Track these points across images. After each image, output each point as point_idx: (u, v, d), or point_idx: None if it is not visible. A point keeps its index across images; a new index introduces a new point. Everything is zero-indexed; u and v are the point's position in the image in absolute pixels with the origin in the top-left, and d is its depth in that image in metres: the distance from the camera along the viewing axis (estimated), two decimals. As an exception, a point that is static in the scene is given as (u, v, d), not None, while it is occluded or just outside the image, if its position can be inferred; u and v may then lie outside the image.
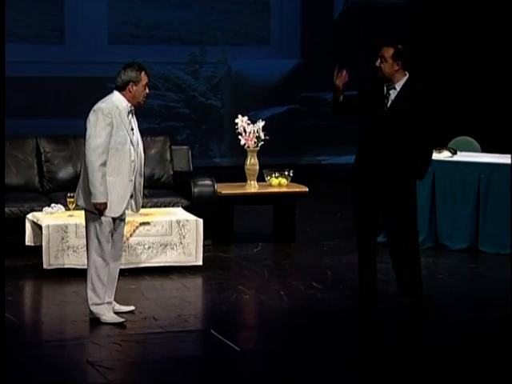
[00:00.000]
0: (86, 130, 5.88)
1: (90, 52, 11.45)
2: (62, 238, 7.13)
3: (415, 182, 6.36)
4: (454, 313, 6.50)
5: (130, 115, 5.94)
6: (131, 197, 6.01)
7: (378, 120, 6.24)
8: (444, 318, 6.38)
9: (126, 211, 6.07)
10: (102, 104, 5.86)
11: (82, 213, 7.32)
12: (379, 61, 6.26)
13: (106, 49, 11.61)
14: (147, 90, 5.93)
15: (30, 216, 7.40)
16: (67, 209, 7.46)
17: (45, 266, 7.12)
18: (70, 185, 8.04)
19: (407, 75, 6.29)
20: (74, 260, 7.13)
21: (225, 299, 6.68)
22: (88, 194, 5.88)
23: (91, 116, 5.84)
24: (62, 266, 7.12)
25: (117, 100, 5.87)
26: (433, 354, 5.70)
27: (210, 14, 11.98)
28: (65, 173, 8.20)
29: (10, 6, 11.17)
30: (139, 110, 6.08)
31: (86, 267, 7.06)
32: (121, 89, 5.88)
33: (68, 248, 7.14)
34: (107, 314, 6.03)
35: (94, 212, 5.91)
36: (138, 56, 11.42)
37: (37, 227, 7.31)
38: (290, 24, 12.27)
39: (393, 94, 6.24)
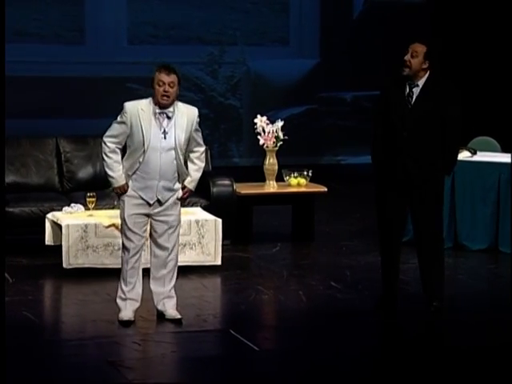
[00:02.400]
0: None
1: (110, 52, 11.48)
2: (82, 238, 7.15)
3: (443, 178, 6.38)
4: (473, 313, 6.47)
5: (163, 118, 5.91)
6: (158, 202, 5.98)
7: (403, 119, 6.22)
8: (463, 318, 6.35)
9: (165, 210, 5.99)
10: (128, 102, 5.97)
11: (102, 212, 7.38)
12: (409, 55, 6.22)
13: (126, 49, 11.63)
14: (164, 88, 5.86)
15: (49, 216, 7.43)
16: (87, 208, 7.48)
17: (64, 266, 7.15)
18: (90, 184, 8.07)
19: (428, 72, 6.27)
20: (94, 259, 7.15)
21: (243, 299, 6.68)
22: None
23: None
24: (81, 266, 7.14)
25: (146, 101, 5.93)
26: (452, 353, 5.68)
27: (229, 13, 11.98)
28: (84, 173, 8.22)
29: (29, 6, 11.23)
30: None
31: (104, 266, 7.12)
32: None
33: (87, 247, 7.16)
34: (122, 312, 6.07)
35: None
36: (157, 56, 11.48)
37: (57, 227, 7.33)
38: (309, 24, 12.25)
39: (415, 91, 6.24)
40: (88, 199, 7.45)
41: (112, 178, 5.97)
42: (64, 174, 8.26)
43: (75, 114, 11.05)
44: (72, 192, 8.09)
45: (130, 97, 6.28)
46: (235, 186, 8.18)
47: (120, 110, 5.96)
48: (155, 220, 6.05)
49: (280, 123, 8.33)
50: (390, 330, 6.24)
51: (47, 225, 7.38)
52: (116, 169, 5.94)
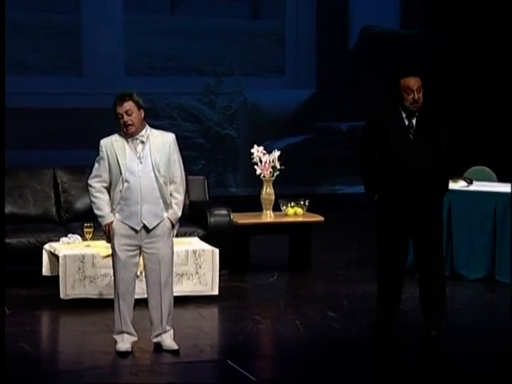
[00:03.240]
0: None
1: (107, 83, 11.51)
2: (79, 268, 7.14)
3: (442, 204, 6.54)
4: (470, 343, 6.45)
5: (136, 144, 5.91)
6: (145, 229, 5.95)
7: (405, 149, 6.26)
8: (461, 348, 6.34)
9: (154, 242, 5.97)
10: (103, 139, 6.00)
11: (99, 243, 7.37)
12: (417, 93, 6.25)
13: (123, 80, 11.67)
14: (123, 119, 5.87)
15: (47, 246, 7.42)
16: (84, 239, 7.48)
17: (62, 296, 7.13)
18: (87, 215, 8.04)
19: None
20: (91, 290, 7.13)
21: (241, 329, 6.67)
22: None
23: None
24: (78, 296, 7.13)
25: (120, 133, 5.97)
26: (450, 383, 5.67)
27: (226, 45, 12.04)
28: (82, 203, 8.22)
29: (29, 38, 11.28)
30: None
31: (102, 297, 7.10)
32: None
33: (85, 278, 7.14)
34: (119, 343, 6.03)
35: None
36: (154, 87, 11.52)
37: (54, 257, 7.32)
38: (305, 54, 12.31)
39: (414, 121, 6.30)
40: (85, 229, 7.44)
41: (101, 216, 5.97)
42: (61, 204, 8.27)
43: (73, 144, 11.07)
44: (69, 222, 8.09)
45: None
46: (232, 215, 8.18)
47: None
48: (146, 253, 5.99)
49: (277, 153, 8.35)
50: (387, 360, 6.22)
51: (44, 255, 7.37)
52: (104, 207, 5.94)
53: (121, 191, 5.91)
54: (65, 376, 5.78)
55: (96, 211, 5.98)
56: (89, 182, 6.00)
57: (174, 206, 6.03)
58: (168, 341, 6.09)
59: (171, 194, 6.02)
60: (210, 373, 5.91)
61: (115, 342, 6.06)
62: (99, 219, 5.99)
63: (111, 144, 5.93)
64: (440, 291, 6.41)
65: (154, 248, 5.98)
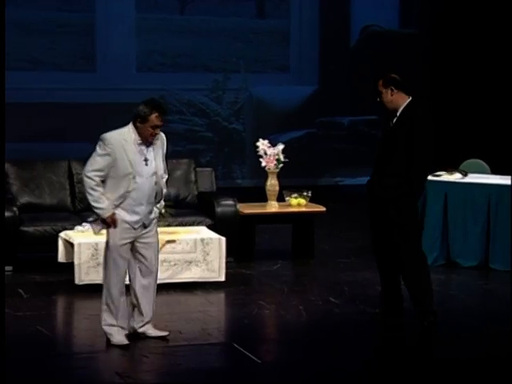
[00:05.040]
0: None
1: (120, 79, 11.50)
2: (93, 255, 7.15)
3: (411, 200, 6.25)
4: (465, 327, 6.45)
5: (144, 146, 5.77)
6: (143, 225, 5.87)
7: (380, 145, 6.30)
8: (457, 331, 6.33)
9: (148, 232, 5.90)
10: (108, 135, 5.77)
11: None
12: (378, 98, 6.27)
13: (135, 76, 11.66)
14: (156, 131, 5.72)
15: (62, 234, 7.42)
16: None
17: (76, 282, 7.14)
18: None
19: (409, 99, 6.26)
20: (104, 276, 7.13)
21: (246, 314, 6.66)
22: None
23: (97, 144, 5.77)
24: (92, 282, 7.13)
25: (127, 131, 5.76)
26: (445, 365, 5.66)
27: (233, 43, 12.02)
28: (95, 193, 8.21)
29: (45, 36, 11.27)
30: (165, 134, 5.99)
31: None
32: (132, 120, 5.77)
33: (98, 265, 7.14)
34: (114, 336, 5.86)
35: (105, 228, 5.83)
36: (164, 83, 11.51)
37: (69, 245, 7.33)
38: (309, 52, 12.28)
39: (394, 120, 6.27)
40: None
41: (101, 209, 5.74)
42: (76, 194, 8.27)
43: (87, 137, 11.05)
44: (83, 212, 8.09)
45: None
46: (238, 205, 8.18)
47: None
48: (140, 242, 5.89)
49: (281, 146, 8.34)
50: (386, 343, 6.22)
51: (60, 243, 7.37)
52: (102, 200, 5.74)
53: (128, 191, 5.74)
54: (79, 358, 5.78)
55: (94, 203, 5.74)
56: (87, 174, 5.72)
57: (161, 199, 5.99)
58: (154, 330, 5.98)
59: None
60: (217, 355, 5.91)
61: (109, 334, 5.85)
62: (98, 211, 5.75)
63: (121, 143, 5.71)
64: (420, 281, 6.29)
65: (148, 237, 5.91)
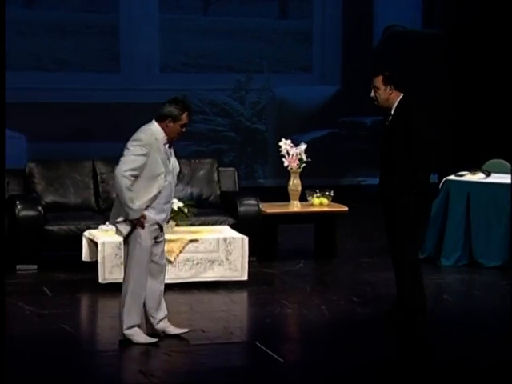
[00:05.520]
0: (122, 155, 5.76)
1: (143, 80, 11.54)
2: (116, 254, 7.17)
3: (411, 198, 6.22)
4: (488, 327, 6.40)
5: (167, 145, 5.81)
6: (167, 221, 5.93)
7: (380, 144, 6.33)
8: (479, 331, 6.29)
9: (162, 234, 5.92)
10: (142, 135, 5.74)
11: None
12: (373, 91, 6.26)
13: (158, 77, 11.69)
14: (183, 130, 5.78)
15: (86, 233, 7.45)
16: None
17: (100, 281, 7.16)
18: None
19: (401, 96, 6.26)
20: (128, 275, 7.14)
21: (269, 313, 6.66)
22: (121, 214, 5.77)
23: (130, 144, 5.73)
24: (116, 281, 7.13)
25: (156, 131, 5.76)
26: (467, 366, 5.62)
27: (256, 43, 12.02)
28: (119, 193, 8.22)
29: (70, 37, 11.32)
30: (188, 134, 6.03)
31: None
32: (159, 120, 5.77)
33: (121, 263, 7.12)
34: (140, 335, 5.85)
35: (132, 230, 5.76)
36: (187, 83, 11.52)
37: (93, 244, 7.35)
38: (331, 52, 12.25)
39: (389, 118, 6.29)
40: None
41: (133, 210, 5.69)
42: (100, 194, 8.29)
43: (110, 137, 11.09)
44: (107, 211, 8.08)
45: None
46: (261, 205, 8.17)
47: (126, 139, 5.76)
48: (161, 241, 5.92)
49: (303, 146, 8.32)
50: (407, 343, 6.19)
51: (84, 242, 7.40)
52: (135, 201, 5.71)
53: (160, 191, 5.75)
54: (103, 356, 5.80)
55: (129, 203, 5.69)
56: (124, 173, 5.67)
57: None
58: (174, 327, 5.97)
59: None
60: (239, 354, 5.91)
61: (135, 334, 5.80)
62: (131, 211, 5.70)
63: (155, 143, 5.72)
64: (404, 278, 6.28)
65: (162, 235, 5.96)
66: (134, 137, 5.77)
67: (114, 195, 6.08)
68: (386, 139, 6.29)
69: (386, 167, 6.30)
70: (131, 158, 5.72)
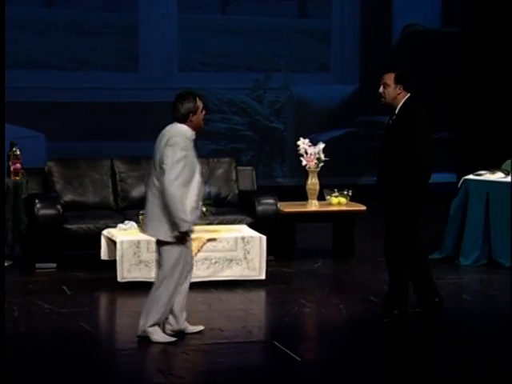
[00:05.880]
0: (162, 163, 5.66)
1: (162, 79, 11.55)
2: (135, 253, 7.17)
3: (407, 197, 6.22)
4: (507, 327, 6.36)
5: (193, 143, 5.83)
6: None
7: (382, 144, 6.34)
8: (498, 331, 6.25)
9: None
10: (177, 138, 5.68)
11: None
12: (382, 88, 6.25)
13: (177, 76, 11.70)
14: (205, 112, 5.82)
15: (105, 232, 7.46)
16: (139, 225, 7.50)
17: (119, 279, 7.17)
18: (142, 203, 8.00)
19: (407, 96, 6.23)
20: (146, 273, 7.15)
21: (287, 312, 6.65)
22: (166, 224, 5.68)
23: (169, 150, 5.64)
24: (134, 279, 7.16)
25: (187, 132, 5.74)
26: (485, 366, 5.59)
27: (274, 42, 12.01)
28: (137, 191, 8.24)
29: (89, 37, 11.35)
30: (206, 133, 6.03)
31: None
32: (182, 120, 5.75)
33: (140, 262, 7.17)
34: (159, 334, 5.87)
35: (172, 241, 5.70)
36: (206, 82, 11.51)
37: (111, 242, 7.36)
38: (350, 51, 12.23)
39: (393, 117, 6.29)
40: (140, 216, 7.44)
41: (188, 222, 5.62)
42: (118, 192, 8.31)
43: (129, 136, 11.12)
44: (126, 210, 8.12)
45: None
46: (279, 204, 8.16)
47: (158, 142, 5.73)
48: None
49: (321, 145, 8.31)
50: (423, 342, 6.16)
51: (103, 241, 7.41)
52: (188, 213, 5.65)
53: (199, 191, 5.72)
54: (121, 354, 5.81)
55: (182, 215, 5.57)
56: (174, 184, 5.56)
57: None
58: (191, 326, 5.99)
59: None
60: (257, 353, 5.90)
61: (152, 333, 5.83)
62: (184, 223, 5.59)
63: (189, 143, 5.70)
64: (396, 276, 6.29)
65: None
66: (171, 142, 5.67)
67: (149, 203, 5.83)
68: (387, 138, 6.29)
69: (383, 166, 6.29)
70: (179, 167, 5.62)
